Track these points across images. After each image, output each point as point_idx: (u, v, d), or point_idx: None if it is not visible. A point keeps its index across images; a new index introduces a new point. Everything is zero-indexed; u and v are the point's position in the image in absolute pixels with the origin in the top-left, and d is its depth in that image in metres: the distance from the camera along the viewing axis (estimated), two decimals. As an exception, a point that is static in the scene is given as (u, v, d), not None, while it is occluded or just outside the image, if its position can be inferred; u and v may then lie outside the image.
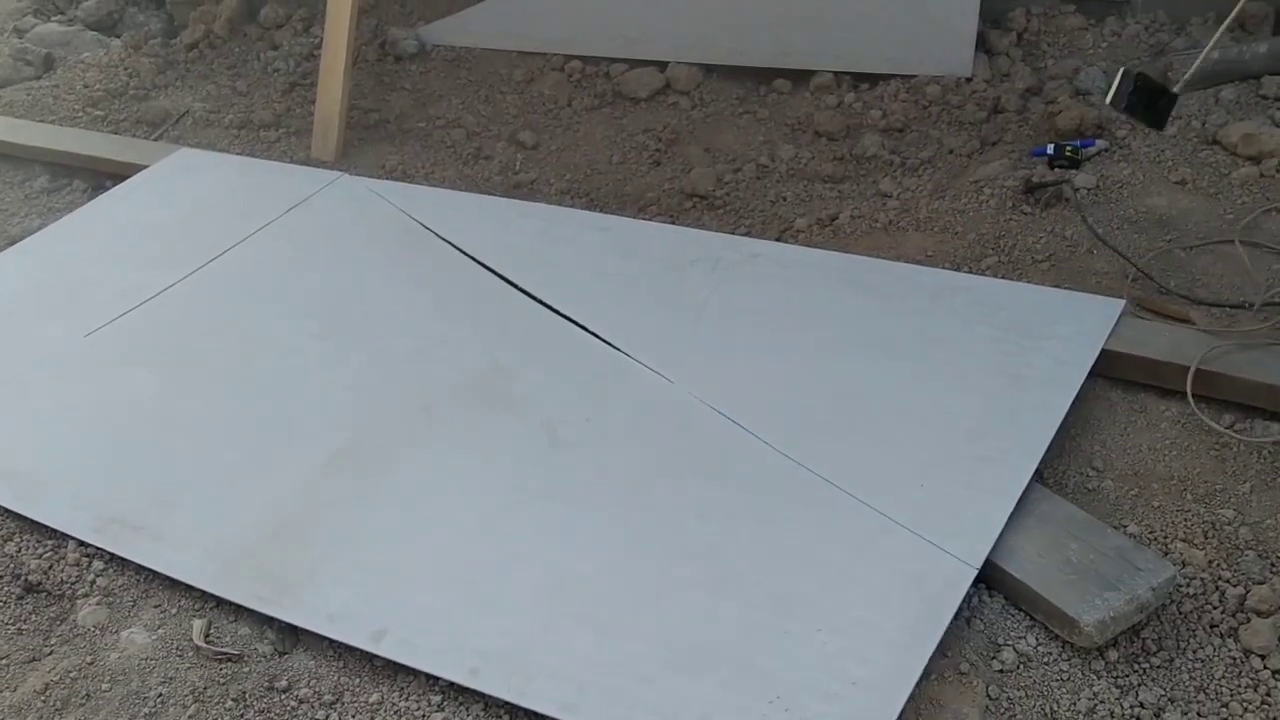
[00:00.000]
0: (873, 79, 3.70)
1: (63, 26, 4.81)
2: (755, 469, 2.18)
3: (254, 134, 3.83)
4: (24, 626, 2.10)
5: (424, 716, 1.82)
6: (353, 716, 1.84)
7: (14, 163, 3.79)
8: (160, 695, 1.91)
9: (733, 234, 3.04)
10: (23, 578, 2.17)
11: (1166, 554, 1.99)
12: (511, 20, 4.09)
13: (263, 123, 3.85)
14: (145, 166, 3.51)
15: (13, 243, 3.29)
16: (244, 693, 1.89)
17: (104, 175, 3.60)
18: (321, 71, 3.70)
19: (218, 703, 1.88)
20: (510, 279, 2.82)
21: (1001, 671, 1.85)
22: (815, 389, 2.35)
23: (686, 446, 2.26)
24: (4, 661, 2.04)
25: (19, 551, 2.23)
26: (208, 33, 4.38)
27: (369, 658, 1.93)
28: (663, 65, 3.90)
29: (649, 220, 3.17)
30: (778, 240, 3.01)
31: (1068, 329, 2.42)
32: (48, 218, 3.43)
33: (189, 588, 2.09)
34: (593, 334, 2.60)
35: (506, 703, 1.81)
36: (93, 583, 2.15)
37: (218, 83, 4.15)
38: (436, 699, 1.85)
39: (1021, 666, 1.85)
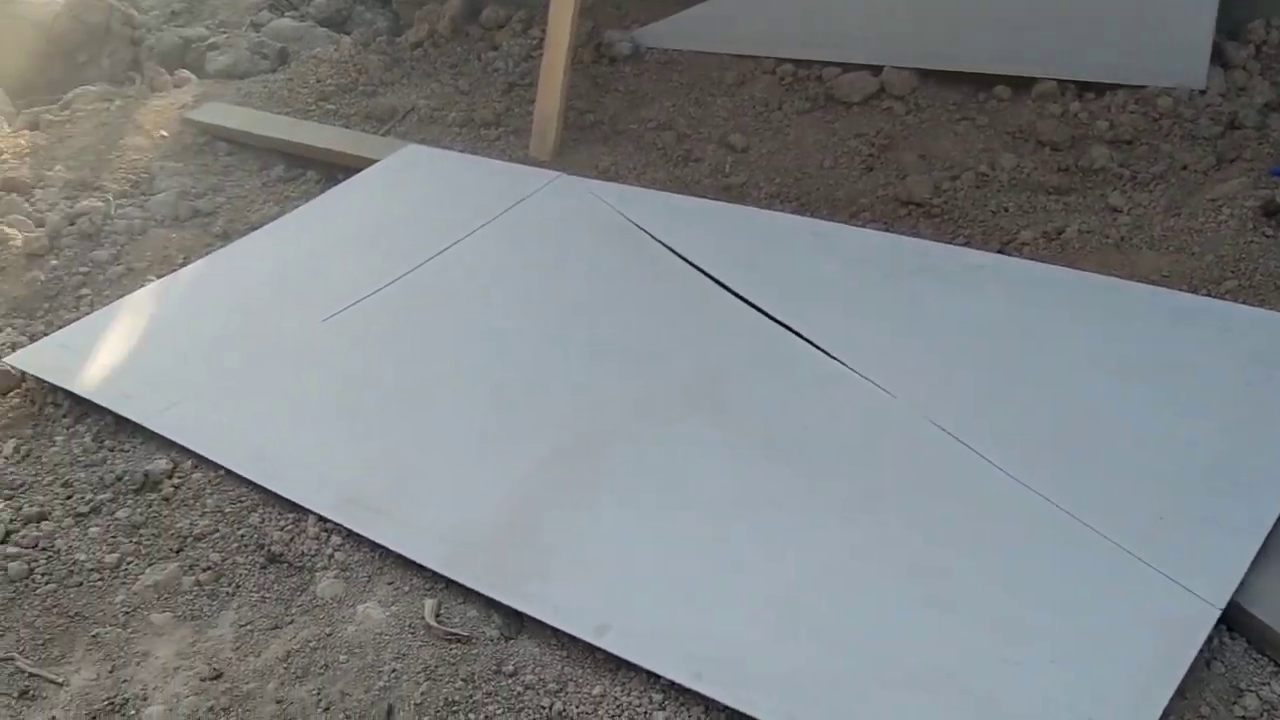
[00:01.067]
0: (1099, 88, 3.57)
1: (295, 22, 5.07)
2: (982, 490, 2.13)
3: (475, 132, 3.95)
4: (267, 595, 2.22)
5: (646, 714, 1.85)
6: (576, 706, 1.88)
7: (253, 152, 4.01)
8: (394, 670, 1.99)
9: (951, 243, 2.99)
10: (266, 548, 2.30)
11: None
12: (724, 23, 4.10)
13: (483, 121, 3.97)
14: (375, 160, 3.67)
15: (253, 229, 3.48)
16: (473, 674, 1.96)
17: (336, 167, 3.78)
18: (542, 72, 3.79)
19: (448, 682, 1.95)
20: (725, 283, 2.83)
21: (1243, 718, 1.76)
22: (1044, 410, 2.29)
23: (910, 463, 2.23)
24: (248, 627, 2.16)
25: (262, 523, 2.37)
26: (431, 32, 4.55)
27: (591, 650, 1.97)
28: (877, 69, 3.85)
29: (863, 227, 3.14)
30: (1000, 252, 2.94)
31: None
32: (284, 205, 3.63)
33: (420, 568, 2.18)
34: (810, 342, 2.59)
35: (727, 707, 1.82)
36: (331, 556, 2.26)
37: (441, 81, 4.31)
38: (658, 697, 1.87)
39: (1265, 714, 1.76)
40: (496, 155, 3.77)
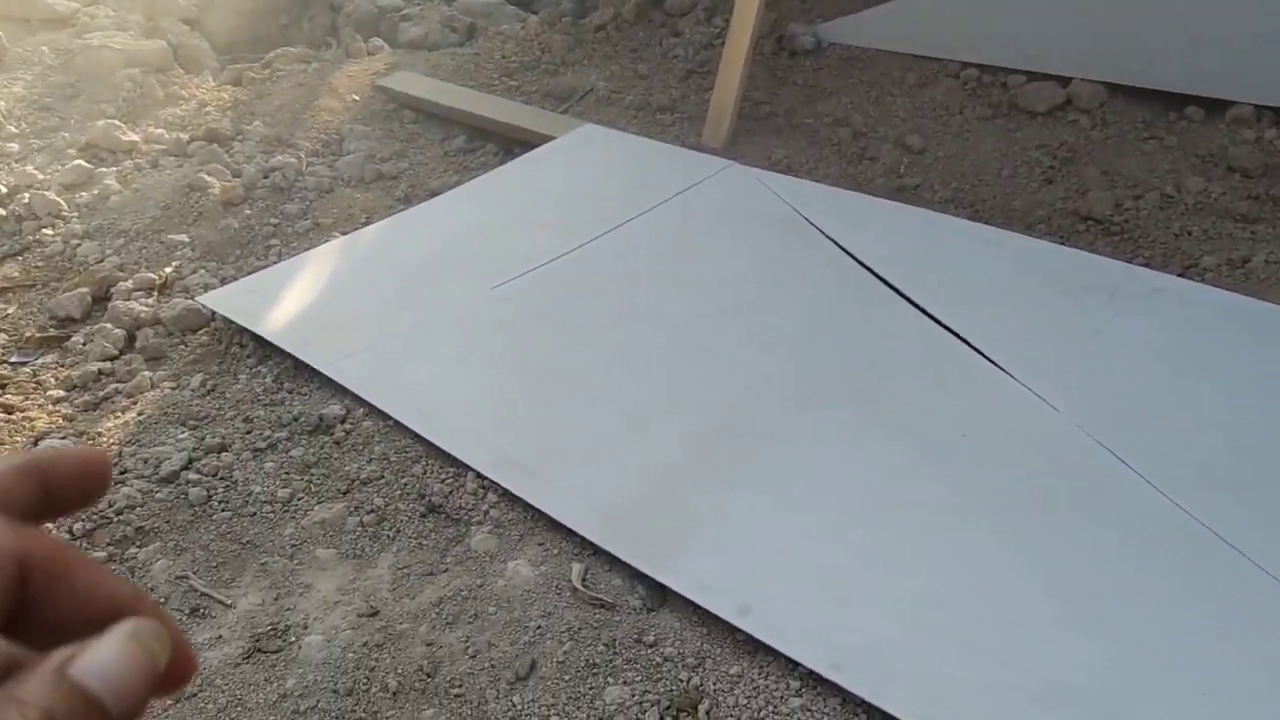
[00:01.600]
0: (1299, 116, 3.43)
1: (485, -1, 5.21)
2: (1143, 514, 2.08)
3: (650, 116, 4.01)
4: (425, 542, 2.32)
5: (782, 699, 1.87)
6: (714, 684, 1.91)
7: (436, 122, 4.15)
8: (539, 627, 2.06)
9: (1129, 263, 2.91)
10: (427, 498, 2.40)
11: None
12: (911, 24, 4.06)
13: (659, 106, 4.03)
14: (552, 137, 3.76)
15: (432, 195, 3.61)
16: (614, 640, 2.01)
17: (514, 141, 3.88)
18: (722, 61, 3.82)
19: (590, 644, 2.01)
20: (892, 283, 2.82)
21: None
22: (1217, 440, 2.22)
23: (1069, 479, 2.19)
24: (405, 571, 2.26)
25: (425, 474, 2.47)
26: (616, 15, 4.62)
27: (731, 630, 2.00)
28: (1064, 80, 3.76)
29: (1038, 238, 3.08)
30: (1181, 276, 2.85)
31: None
32: (463, 176, 3.74)
33: (569, 532, 2.24)
34: (975, 349, 2.56)
35: (864, 702, 1.83)
36: (486, 513, 2.34)
37: (621, 64, 4.38)
38: (795, 684, 1.89)
39: None
40: (670, 140, 3.81)
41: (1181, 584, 1.94)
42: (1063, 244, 3.04)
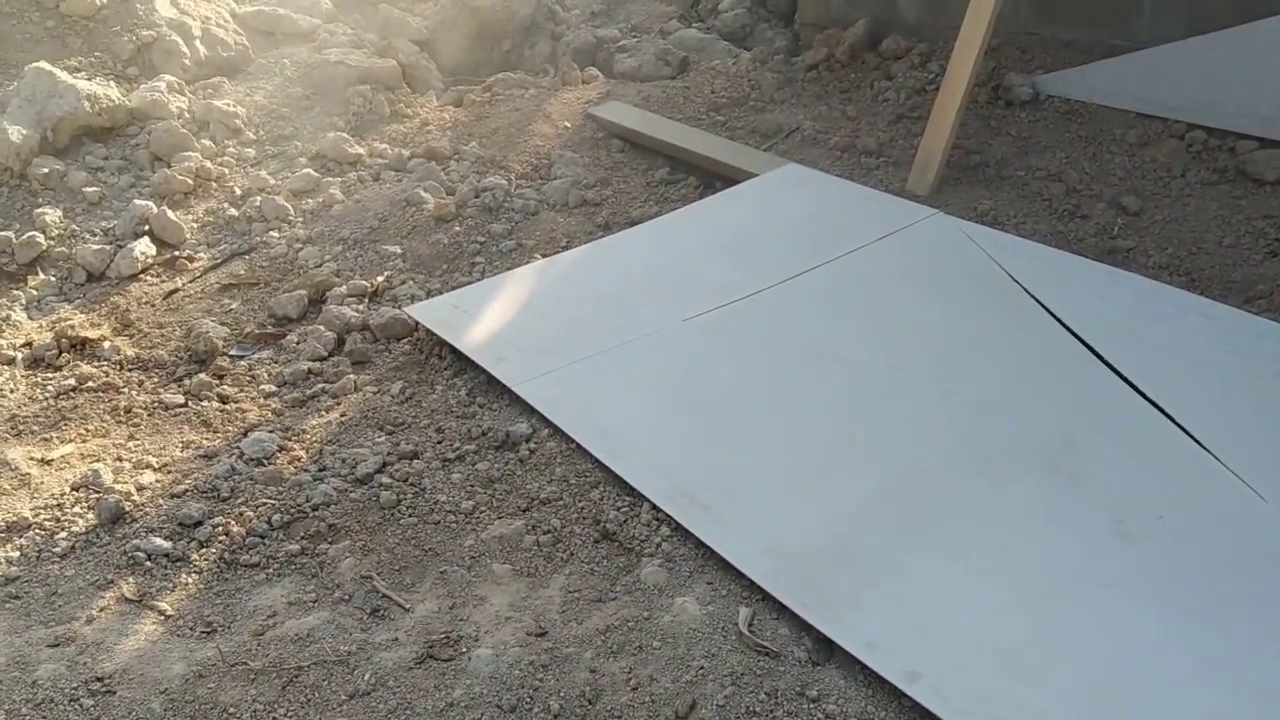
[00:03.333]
0: None
1: (701, 34, 5.29)
2: (1354, 622, 1.94)
3: (855, 159, 3.98)
4: (596, 568, 2.36)
5: (944, 770, 1.82)
6: (874, 746, 1.88)
7: (641, 152, 4.23)
8: (702, 667, 2.06)
9: (1360, 350, 2.72)
10: (602, 524, 2.44)
11: None
12: (1135, 80, 3.91)
13: (865, 149, 4.00)
14: (754, 174, 3.78)
15: (632, 224, 3.68)
16: (777, 690, 2.00)
17: (716, 176, 3.92)
18: (935, 108, 3.77)
19: (752, 692, 2.00)
20: (1095, 348, 2.72)
21: None
22: None
23: (1272, 578, 2.06)
24: (576, 595, 2.30)
25: (602, 500, 2.51)
26: (829, 56, 4.61)
27: (898, 693, 1.96)
28: (1301, 149, 3.55)
29: (1257, 314, 2.91)
30: None
31: None
32: (664, 206, 3.80)
33: (739, 574, 2.24)
34: (1179, 425, 2.45)
35: (1030, 784, 1.77)
36: (659, 545, 2.37)
37: (829, 104, 4.36)
38: (959, 756, 1.84)
39: None
40: (874, 184, 3.78)
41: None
42: (1285, 322, 2.87)
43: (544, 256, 3.52)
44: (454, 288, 3.38)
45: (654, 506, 2.44)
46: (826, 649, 2.09)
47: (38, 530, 2.56)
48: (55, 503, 2.64)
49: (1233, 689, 1.87)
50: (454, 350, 3.05)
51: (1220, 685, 1.88)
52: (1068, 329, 2.81)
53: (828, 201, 3.59)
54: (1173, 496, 2.28)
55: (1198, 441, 2.39)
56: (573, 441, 2.67)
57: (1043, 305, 2.91)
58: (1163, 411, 2.49)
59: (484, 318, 3.14)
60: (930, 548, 2.22)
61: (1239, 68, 3.66)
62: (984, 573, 2.15)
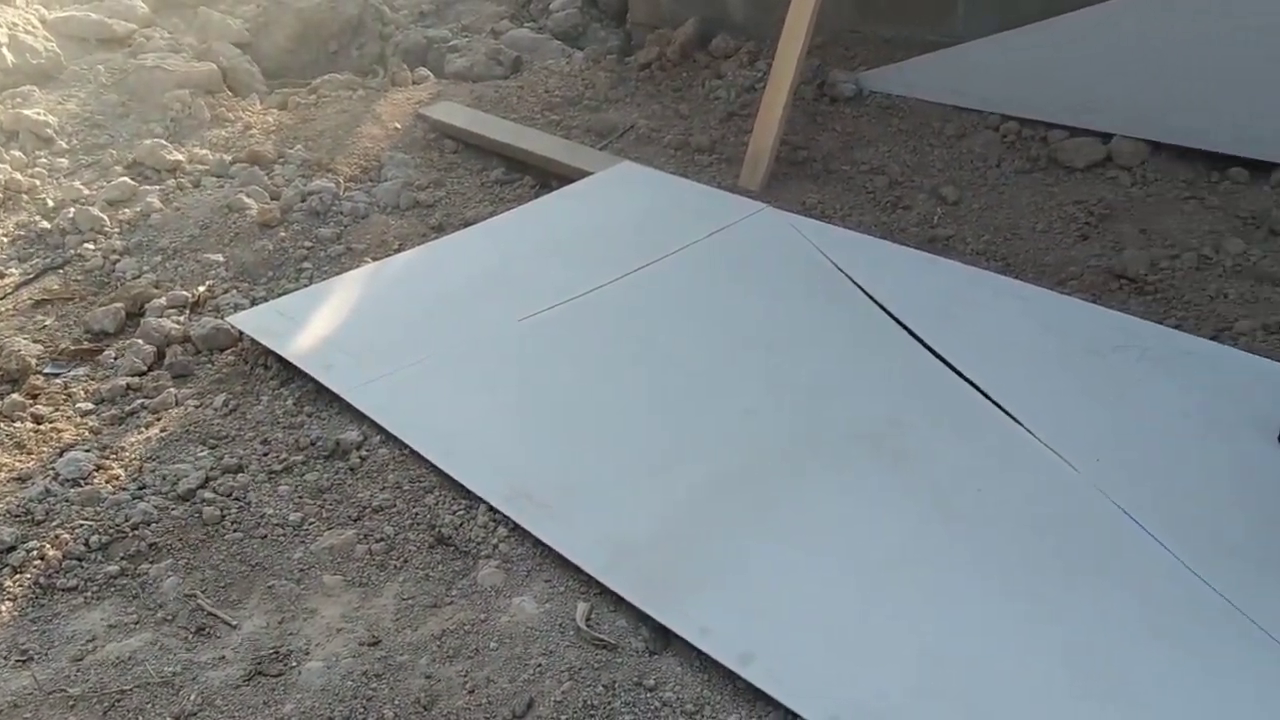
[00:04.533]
0: (1347, 181, 3.37)
1: (533, 33, 5.27)
2: (1159, 582, 2.04)
3: (689, 156, 4.02)
4: (431, 574, 2.32)
5: (779, 750, 1.85)
6: (710, 731, 1.89)
7: (475, 153, 4.19)
8: (539, 665, 2.04)
9: (1161, 324, 2.86)
10: (436, 529, 2.39)
11: None
12: (951, 75, 4.05)
13: (698, 146, 4.04)
14: (590, 173, 3.78)
15: (466, 225, 3.64)
16: (614, 682, 1.99)
17: (551, 175, 3.91)
18: (762, 105, 3.83)
19: (589, 685, 1.99)
20: (918, 334, 2.80)
21: None
22: (1240, 509, 2.17)
23: (1085, 542, 2.15)
24: (410, 602, 2.25)
25: (436, 504, 2.47)
26: (660, 55, 4.65)
27: (732, 677, 1.97)
28: (1106, 137, 3.73)
29: (1068, 295, 3.04)
30: (1213, 339, 2.80)
31: None
32: (498, 207, 3.77)
33: (578, 570, 2.23)
34: (996, 404, 2.54)
35: (861, 758, 1.80)
36: (495, 546, 2.33)
37: (663, 103, 4.40)
38: (793, 736, 1.87)
39: None
40: (707, 181, 3.82)
41: (1197, 657, 1.90)
42: (1094, 302, 3.00)
43: (375, 260, 3.45)
44: (280, 295, 3.28)
45: (490, 508, 2.40)
46: (664, 638, 2.09)
47: None
48: None
49: (1050, 652, 1.94)
50: (280, 359, 2.95)
51: (1039, 649, 1.95)
52: (892, 316, 2.89)
53: (661, 199, 3.61)
54: (991, 471, 2.36)
55: (1013, 418, 2.48)
56: (406, 447, 2.61)
57: (868, 294, 2.98)
58: (981, 391, 2.57)
59: (312, 324, 3.05)
60: (764, 533, 2.25)
61: (1047, 60, 3.82)
62: (816, 555, 2.18)
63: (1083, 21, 3.76)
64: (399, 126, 4.35)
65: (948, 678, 1.91)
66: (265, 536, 2.44)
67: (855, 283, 3.03)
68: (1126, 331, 2.75)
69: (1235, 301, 2.98)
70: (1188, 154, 3.61)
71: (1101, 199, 3.51)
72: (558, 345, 2.89)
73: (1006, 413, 2.51)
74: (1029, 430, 2.44)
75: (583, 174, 3.78)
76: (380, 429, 2.68)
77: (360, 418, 2.73)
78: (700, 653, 2.02)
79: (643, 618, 2.11)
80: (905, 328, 2.83)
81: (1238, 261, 3.14)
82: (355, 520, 2.46)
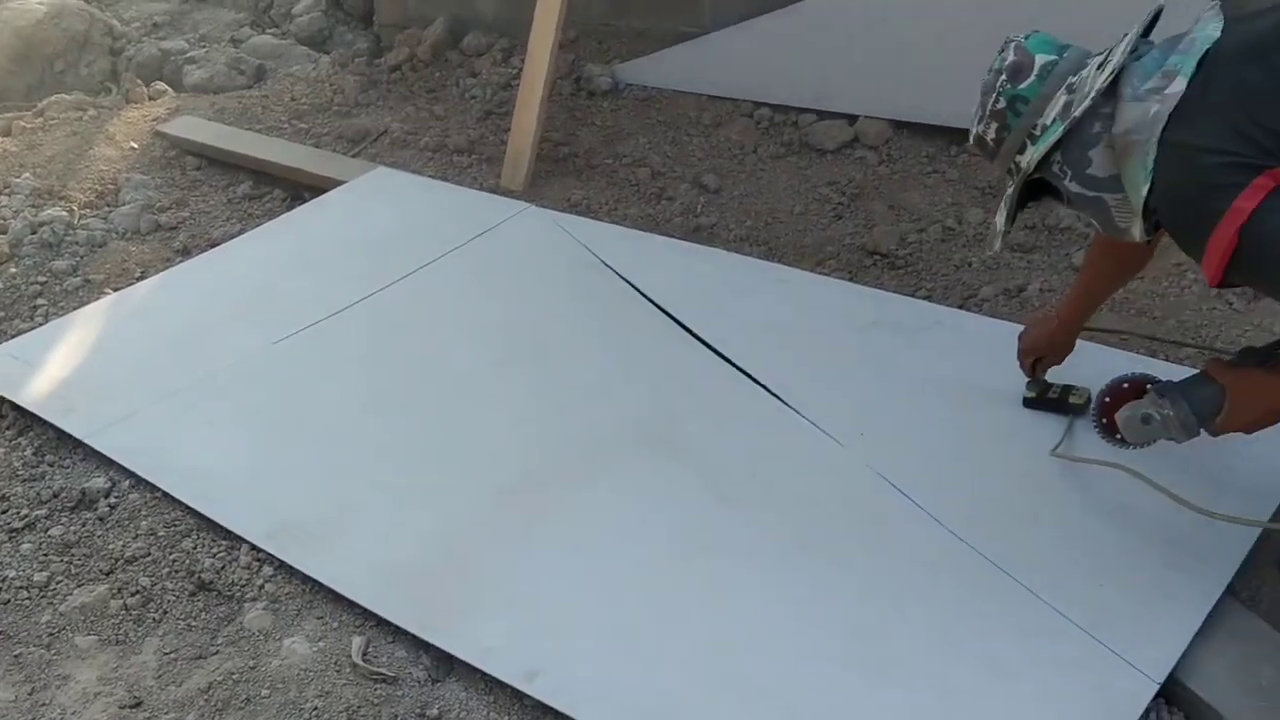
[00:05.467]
0: (1072, 147, 3.58)
1: (276, 40, 5.05)
2: (925, 548, 2.11)
3: (447, 158, 3.93)
4: (193, 623, 2.17)
5: (569, 765, 1.81)
6: (499, 755, 1.84)
7: (221, 168, 3.97)
8: (316, 708, 1.94)
9: (913, 296, 2.97)
10: (196, 575, 2.25)
11: (1370, 689, 1.84)
12: (704, 65, 4.10)
13: (456, 148, 3.95)
14: (343, 182, 3.64)
15: (214, 245, 3.45)
16: (395, 715, 1.91)
17: (303, 187, 3.75)
18: (518, 103, 3.78)
19: (370, 723, 1.91)
20: (685, 324, 2.81)
21: (1178, 794, 1.74)
22: (996, 471, 2.27)
23: (854, 516, 2.21)
24: (172, 655, 2.11)
25: (195, 549, 2.32)
26: (411, 56, 4.53)
27: (520, 695, 1.93)
28: (852, 118, 3.85)
29: (827, 274, 3.13)
30: (960, 308, 2.93)
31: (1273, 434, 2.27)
32: (248, 224, 3.59)
33: (351, 603, 2.14)
34: (765, 388, 2.57)
35: (654, 761, 1.79)
36: (261, 587, 2.21)
37: (416, 105, 4.29)
38: (583, 748, 1.83)
39: (1200, 792, 1.74)
40: (467, 183, 3.74)
41: (966, 619, 1.97)
42: (851, 280, 3.09)
43: (115, 291, 3.22)
44: (13, 337, 3.02)
45: (253, 547, 2.28)
46: (446, 664, 2.02)
47: None
48: None
49: (830, 627, 1.98)
50: (16, 407, 2.72)
51: (822, 628, 1.98)
52: (661, 309, 2.89)
53: (421, 204, 3.52)
54: (764, 455, 2.39)
55: (782, 400, 2.52)
56: (159, 490, 2.45)
57: (636, 288, 2.98)
58: (749, 376, 2.61)
59: (48, 366, 2.83)
60: (545, 543, 2.21)
61: (792, 46, 3.91)
62: (596, 560, 2.16)
63: (821, 7, 3.87)
64: (136, 146, 4.08)
65: (734, 666, 1.92)
66: (8, 602, 2.24)
67: (623, 278, 3.02)
68: (882, 306, 2.84)
69: (978, 269, 3.13)
70: (928, 130, 3.77)
71: (852, 179, 3.62)
72: (317, 367, 2.77)
73: (776, 396, 2.54)
74: (797, 411, 2.49)
75: (336, 183, 3.64)
76: (130, 473, 2.50)
77: (107, 463, 2.54)
78: (485, 674, 1.97)
79: (423, 645, 2.04)
80: (674, 319, 2.84)
81: (978, 231, 3.29)
82: (107, 574, 2.29)
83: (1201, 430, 1.94)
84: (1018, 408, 2.42)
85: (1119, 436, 2.08)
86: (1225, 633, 1.90)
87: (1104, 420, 2.15)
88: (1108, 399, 2.14)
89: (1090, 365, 2.43)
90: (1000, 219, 2.06)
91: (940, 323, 2.74)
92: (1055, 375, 2.43)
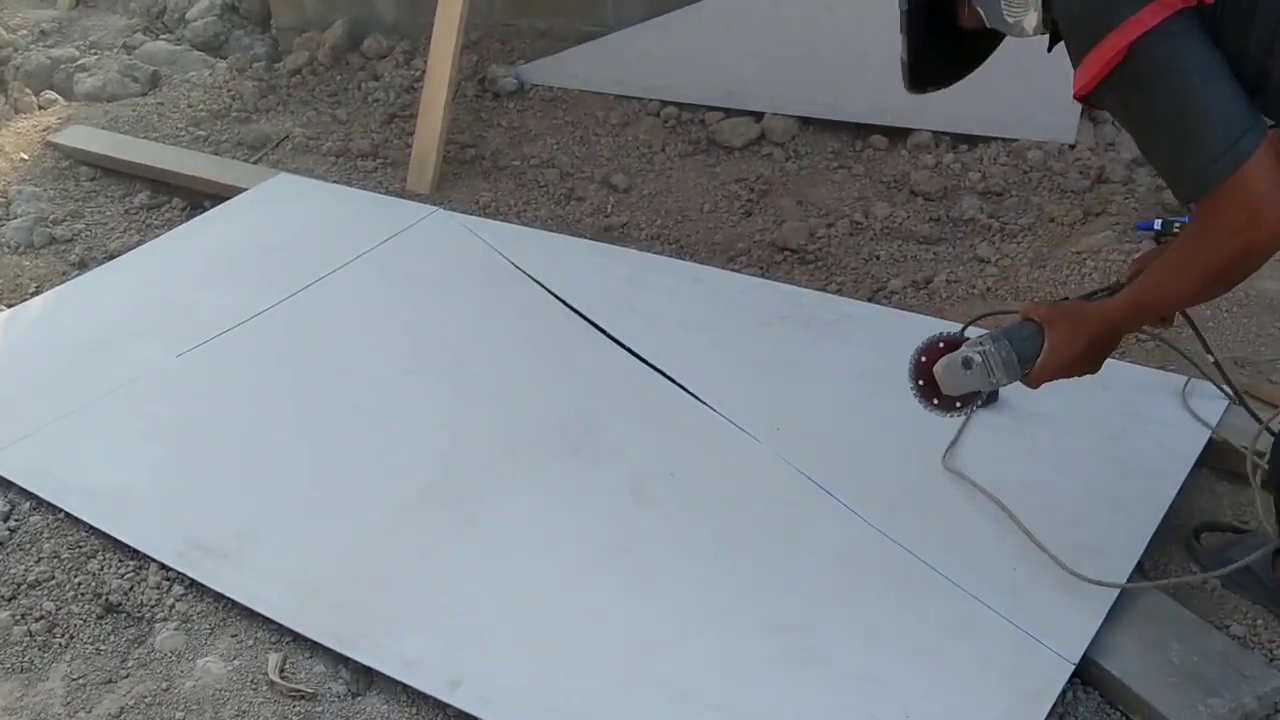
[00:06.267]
0: (972, 140, 3.65)
1: (170, 45, 4.93)
2: (843, 540, 2.13)
3: (351, 163, 3.87)
4: (102, 647, 2.11)
5: (496, 773, 1.79)
6: (424, 767, 1.81)
7: (117, 178, 3.87)
8: (233, 729, 1.90)
9: (823, 291, 3.00)
10: (104, 597, 2.18)
11: (1271, 660, 1.90)
12: (609, 64, 4.10)
13: (360, 152, 3.89)
14: (244, 189, 3.56)
15: (111, 258, 3.35)
16: (316, 733, 1.87)
17: (203, 195, 3.66)
18: (422, 105, 3.74)
19: (289, 742, 1.87)
20: (599, 325, 2.80)
21: (1094, 772, 1.77)
22: (909, 460, 2.30)
23: (773, 511, 2.22)
24: (80, 681, 2.04)
25: (101, 570, 2.25)
26: (311, 59, 4.46)
27: (442, 706, 1.90)
28: (758, 115, 3.88)
29: (738, 271, 3.14)
30: (870, 300, 2.96)
31: (1173, 414, 2.34)
32: (147, 234, 3.50)
33: (267, 619, 2.09)
34: (680, 386, 2.57)
35: (581, 765, 1.77)
36: (172, 607, 2.15)
37: (318, 109, 4.22)
38: (509, 755, 1.82)
39: (1115, 768, 1.78)
40: (373, 187, 3.69)
41: (886, 609, 1.98)
42: (762, 276, 3.11)
43: (9, 307, 3.11)
44: (-103, 359, 2.90)
45: (162, 566, 2.21)
46: (367, 678, 1.99)
47: None
48: None
49: (752, 622, 1.98)
50: (-97, 432, 2.61)
51: (743, 624, 1.98)
52: (574, 310, 2.87)
53: (325, 210, 3.46)
54: (682, 454, 2.38)
55: (697, 397, 2.52)
56: (61, 511, 2.37)
57: (548, 290, 2.96)
58: (664, 374, 2.60)
59: (-63, 388, 2.72)
60: (464, 551, 2.18)
61: (696, 45, 3.93)
62: (516, 565, 2.14)
63: (724, 5, 3.89)
64: (26, 157, 3.96)
65: (658, 667, 1.91)
66: (-97, 636, 2.15)
67: (535, 280, 3.00)
68: (793, 301, 2.86)
69: (886, 262, 3.17)
70: (833, 126, 3.81)
71: (760, 175, 3.64)
72: (223, 379, 2.71)
73: (691, 394, 2.54)
74: (713, 408, 2.49)
75: (237, 191, 3.56)
76: (30, 495, 2.42)
77: (6, 485, 2.45)
78: (407, 686, 1.93)
79: (342, 660, 2.00)
80: (588, 320, 2.83)
81: (885, 224, 3.34)
82: (9, 600, 2.21)
83: (1021, 375, 1.77)
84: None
85: (936, 401, 1.91)
86: (1136, 613, 1.94)
87: (920, 382, 1.93)
88: (923, 358, 1.92)
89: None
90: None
91: (851, 315, 2.77)
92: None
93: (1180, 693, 1.79)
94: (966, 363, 1.79)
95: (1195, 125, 1.48)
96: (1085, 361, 1.75)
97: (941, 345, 1.91)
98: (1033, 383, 1.79)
